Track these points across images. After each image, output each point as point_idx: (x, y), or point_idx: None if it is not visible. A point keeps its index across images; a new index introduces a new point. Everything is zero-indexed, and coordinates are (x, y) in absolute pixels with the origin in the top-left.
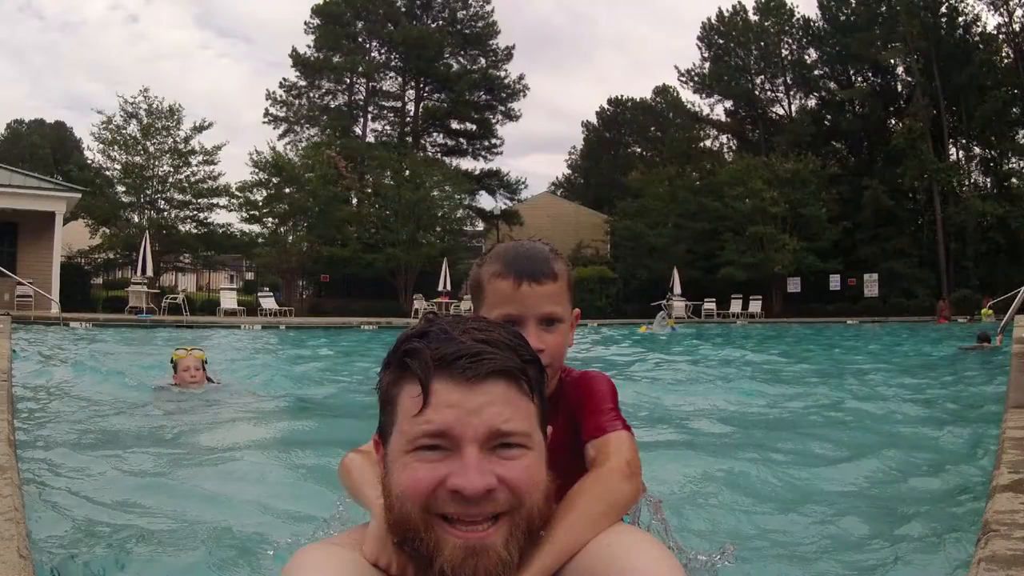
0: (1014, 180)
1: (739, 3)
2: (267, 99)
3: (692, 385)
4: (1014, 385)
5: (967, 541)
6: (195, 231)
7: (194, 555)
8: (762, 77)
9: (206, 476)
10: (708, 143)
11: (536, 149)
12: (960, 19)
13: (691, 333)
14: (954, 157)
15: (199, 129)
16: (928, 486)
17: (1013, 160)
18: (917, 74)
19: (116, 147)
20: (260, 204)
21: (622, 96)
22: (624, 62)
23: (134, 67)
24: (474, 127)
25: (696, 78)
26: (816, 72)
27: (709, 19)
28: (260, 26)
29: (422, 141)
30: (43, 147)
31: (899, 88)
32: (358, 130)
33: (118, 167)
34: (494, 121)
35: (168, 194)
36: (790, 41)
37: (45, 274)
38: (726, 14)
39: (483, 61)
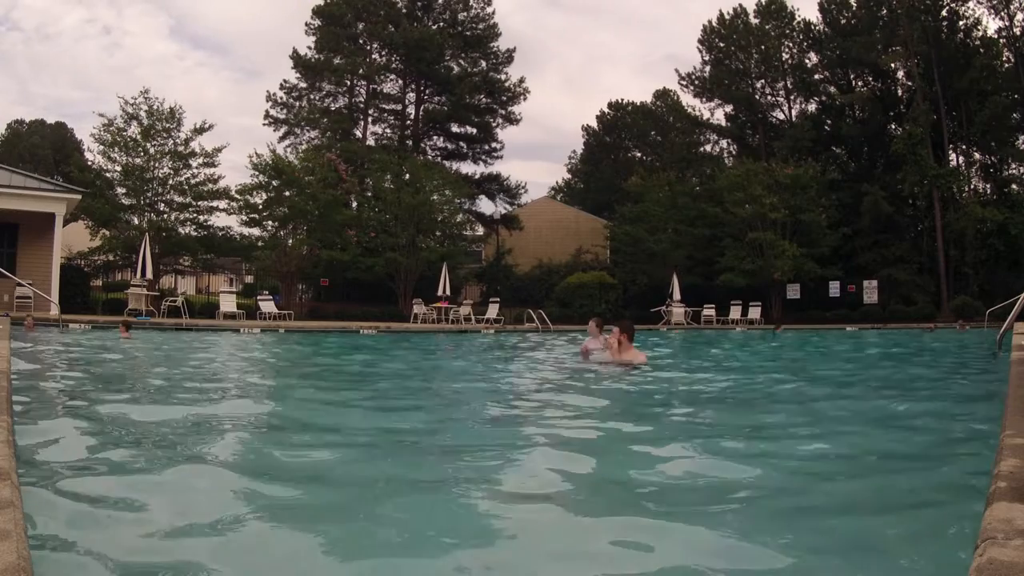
0: (1014, 186)
1: (740, 6)
2: (267, 101)
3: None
4: (1013, 393)
5: (965, 548)
6: (195, 234)
7: (194, 556)
8: (762, 81)
9: (206, 478)
10: (708, 148)
11: (530, 156)
12: (961, 23)
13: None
14: (954, 163)
15: (199, 131)
16: (925, 493)
17: (1013, 166)
18: (917, 79)
19: (116, 149)
20: (260, 207)
21: (622, 100)
22: (623, 66)
23: (112, 77)
24: (474, 131)
25: (696, 82)
26: (816, 76)
27: (710, 22)
28: (237, 35)
29: (422, 144)
30: (43, 147)
31: (899, 93)
32: (358, 133)
33: (118, 169)
34: (494, 125)
35: (168, 196)
36: (791, 45)
37: (44, 275)
38: (727, 17)
39: (484, 64)
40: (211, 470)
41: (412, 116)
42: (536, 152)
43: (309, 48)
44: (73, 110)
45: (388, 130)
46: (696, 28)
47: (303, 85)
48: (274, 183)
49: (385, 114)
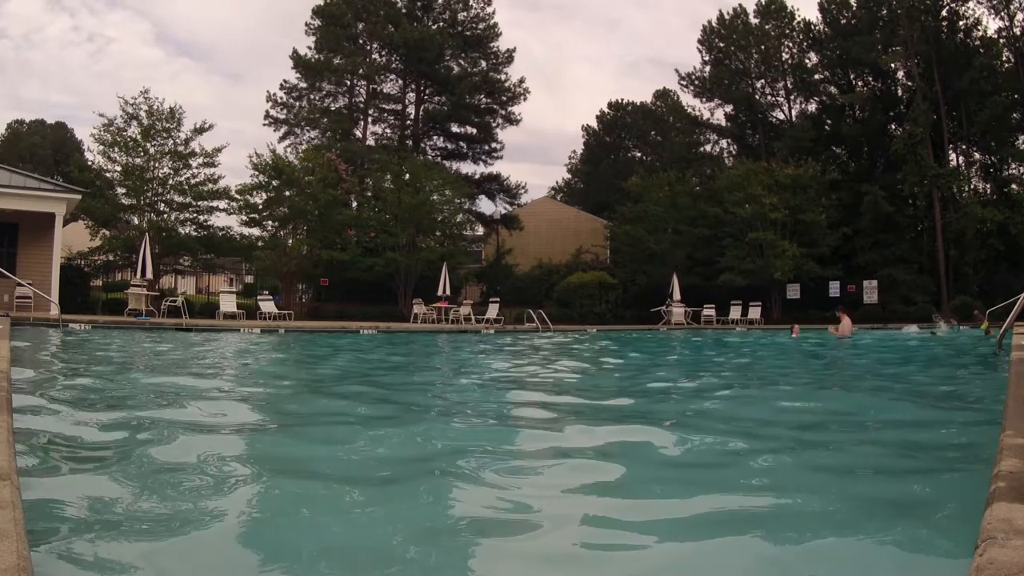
0: (1014, 186)
1: (740, 6)
2: (267, 101)
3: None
4: (1012, 393)
5: (965, 548)
6: (195, 234)
7: (194, 556)
8: (762, 81)
9: (205, 478)
10: (708, 148)
11: (516, 159)
12: (961, 23)
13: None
14: (954, 163)
15: (199, 131)
16: (925, 493)
17: (1013, 166)
18: (917, 79)
19: (116, 149)
20: (260, 207)
21: (622, 100)
22: (604, 67)
23: (98, 83)
24: (474, 131)
25: (696, 82)
26: (816, 76)
27: (710, 22)
28: (220, 40)
29: (422, 144)
30: (43, 147)
31: (899, 93)
32: (358, 133)
33: (118, 169)
34: (494, 125)
35: (168, 196)
36: (791, 45)
37: (45, 276)
38: (727, 17)
39: (484, 64)
40: (213, 469)
41: (412, 116)
42: (521, 154)
43: (309, 48)
44: (64, 113)
45: (388, 130)
46: (673, 28)
47: (303, 85)
48: (274, 183)
49: (385, 114)
